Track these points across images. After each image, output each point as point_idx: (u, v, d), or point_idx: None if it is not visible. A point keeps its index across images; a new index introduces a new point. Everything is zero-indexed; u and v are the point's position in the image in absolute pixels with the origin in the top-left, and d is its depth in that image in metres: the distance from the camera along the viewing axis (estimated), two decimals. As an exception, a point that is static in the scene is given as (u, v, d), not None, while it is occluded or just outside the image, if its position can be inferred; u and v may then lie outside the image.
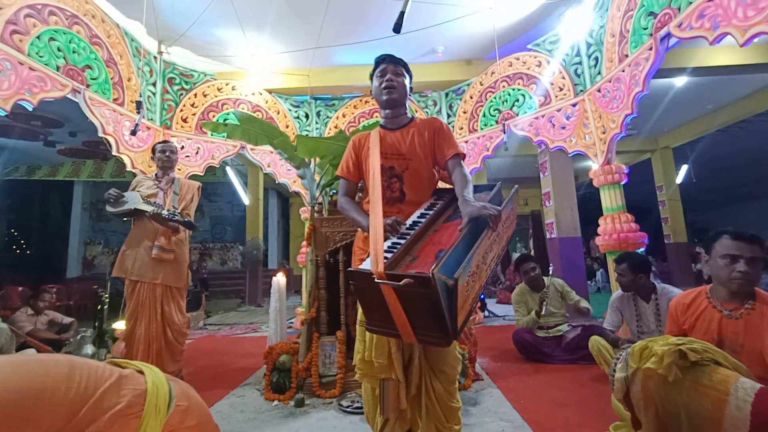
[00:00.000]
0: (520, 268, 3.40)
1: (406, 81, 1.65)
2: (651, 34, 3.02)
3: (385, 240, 1.30)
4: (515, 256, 9.43)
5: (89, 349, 3.41)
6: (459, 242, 1.18)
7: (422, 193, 1.60)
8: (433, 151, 1.62)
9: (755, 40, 2.21)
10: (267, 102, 5.24)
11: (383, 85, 1.60)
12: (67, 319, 4.16)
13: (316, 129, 5.47)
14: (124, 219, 2.79)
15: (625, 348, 1.59)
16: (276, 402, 2.43)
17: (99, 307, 4.02)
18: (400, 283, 1.04)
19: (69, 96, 3.22)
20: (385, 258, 1.16)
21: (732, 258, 1.53)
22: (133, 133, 3.68)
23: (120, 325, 3.11)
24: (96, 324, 3.90)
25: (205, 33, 4.50)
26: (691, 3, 2.64)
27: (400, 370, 1.42)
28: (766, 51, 4.86)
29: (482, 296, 5.41)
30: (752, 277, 1.50)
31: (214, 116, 4.86)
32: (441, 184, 1.72)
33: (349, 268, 1.27)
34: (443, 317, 1.04)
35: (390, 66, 1.62)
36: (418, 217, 1.44)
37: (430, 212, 1.44)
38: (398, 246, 1.25)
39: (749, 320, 1.50)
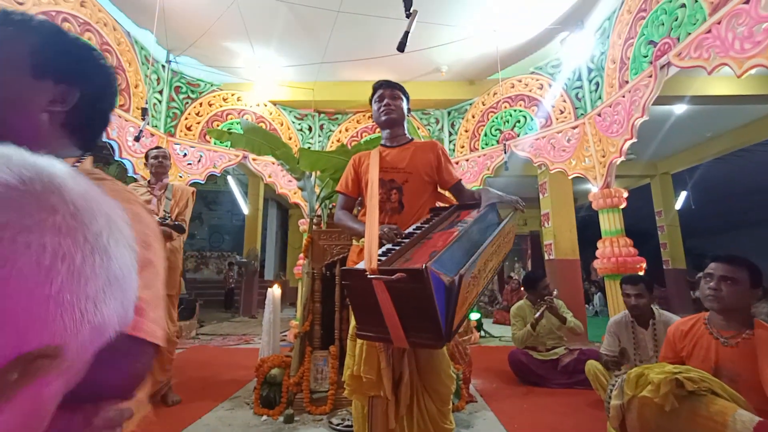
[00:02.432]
0: (537, 285, 3.31)
1: (403, 104, 1.73)
2: (651, 62, 3.08)
3: (380, 246, 1.29)
4: (513, 275, 9.36)
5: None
6: (454, 243, 1.18)
7: (421, 206, 1.62)
8: (438, 171, 1.69)
9: (752, 71, 2.25)
10: (271, 113, 5.30)
11: (381, 109, 1.69)
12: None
13: (319, 142, 5.51)
14: None
15: (620, 374, 1.57)
16: (265, 417, 2.37)
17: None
18: (393, 277, 1.04)
19: (75, 100, 3.25)
20: (380, 260, 1.16)
21: (707, 277, 1.58)
22: (137, 139, 3.71)
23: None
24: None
25: (213, 44, 4.58)
26: (690, 34, 2.70)
27: (389, 387, 1.39)
28: (763, 82, 4.94)
29: (478, 316, 5.36)
30: (723, 295, 1.52)
31: (218, 125, 4.91)
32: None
33: (343, 267, 1.27)
34: (436, 315, 1.02)
35: (387, 91, 1.71)
36: (414, 229, 1.44)
37: (426, 225, 1.45)
38: (393, 251, 1.25)
39: (746, 349, 1.48)
